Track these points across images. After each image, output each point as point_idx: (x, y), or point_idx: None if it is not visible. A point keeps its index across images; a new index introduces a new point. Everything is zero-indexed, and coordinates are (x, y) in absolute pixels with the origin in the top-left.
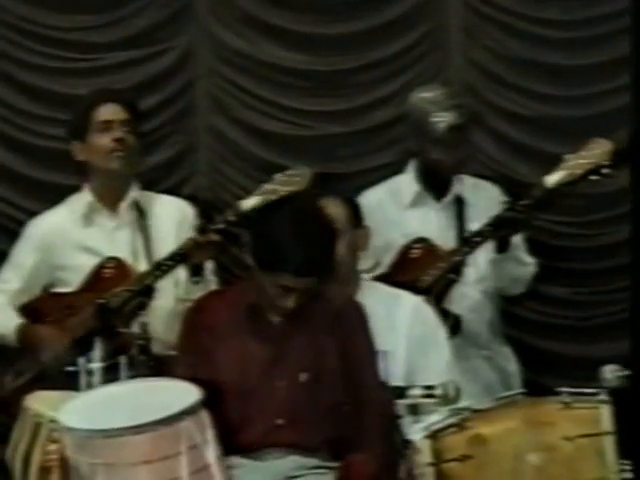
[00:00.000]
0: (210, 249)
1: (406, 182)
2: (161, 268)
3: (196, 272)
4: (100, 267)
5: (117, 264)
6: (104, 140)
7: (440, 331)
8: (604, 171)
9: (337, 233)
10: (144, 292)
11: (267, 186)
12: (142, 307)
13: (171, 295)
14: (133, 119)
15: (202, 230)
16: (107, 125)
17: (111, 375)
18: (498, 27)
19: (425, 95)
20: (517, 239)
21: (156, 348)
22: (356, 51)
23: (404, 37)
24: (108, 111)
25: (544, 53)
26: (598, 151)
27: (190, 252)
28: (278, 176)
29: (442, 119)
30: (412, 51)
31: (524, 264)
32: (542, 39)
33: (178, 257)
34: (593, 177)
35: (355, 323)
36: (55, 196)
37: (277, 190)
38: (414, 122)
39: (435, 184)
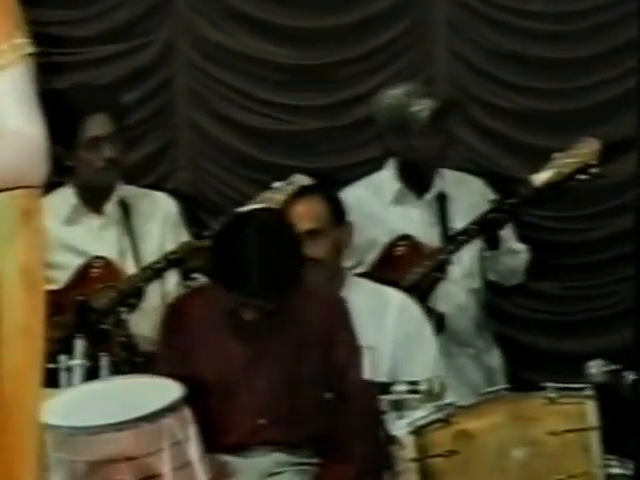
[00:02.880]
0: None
1: (387, 179)
2: (152, 270)
3: (188, 276)
4: (87, 266)
5: (105, 263)
6: (94, 157)
7: (426, 327)
8: (592, 170)
9: (301, 249)
10: (134, 294)
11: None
12: (132, 308)
13: (157, 293)
14: (119, 128)
15: (197, 235)
16: (96, 142)
17: (92, 372)
18: (483, 20)
19: (396, 92)
20: (507, 230)
21: (143, 346)
22: (339, 45)
23: (388, 31)
24: (97, 126)
25: (529, 46)
26: (586, 150)
27: (185, 256)
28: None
29: (424, 106)
30: (396, 45)
31: (517, 253)
32: (527, 32)
33: (172, 261)
34: (581, 176)
35: (338, 319)
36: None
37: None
38: (391, 120)
39: (416, 181)
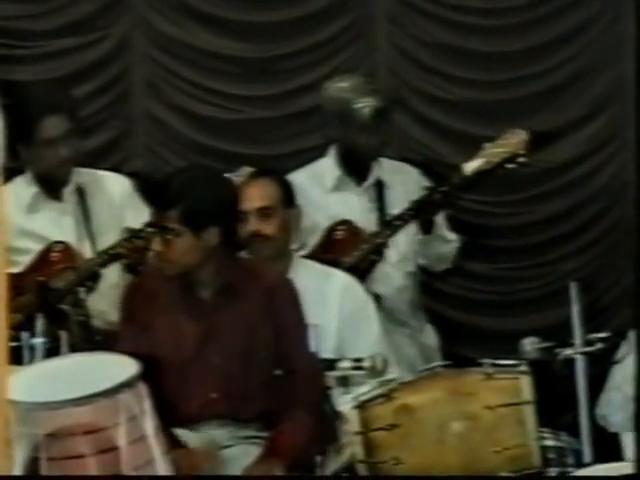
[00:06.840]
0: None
1: (328, 166)
2: (108, 255)
3: None
4: (47, 251)
5: (64, 248)
6: (50, 156)
7: (370, 306)
8: (520, 160)
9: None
10: (91, 277)
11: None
12: (89, 290)
13: (116, 272)
14: (75, 125)
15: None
16: (51, 142)
17: (53, 350)
18: (423, 15)
19: (342, 85)
20: (440, 218)
21: (101, 324)
22: (285, 38)
23: (331, 25)
24: (51, 126)
25: (466, 40)
26: (514, 140)
27: (138, 244)
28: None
29: (366, 104)
30: (339, 38)
31: (448, 241)
32: (465, 26)
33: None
34: (510, 165)
35: (286, 298)
36: None
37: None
38: (335, 112)
39: (356, 169)
